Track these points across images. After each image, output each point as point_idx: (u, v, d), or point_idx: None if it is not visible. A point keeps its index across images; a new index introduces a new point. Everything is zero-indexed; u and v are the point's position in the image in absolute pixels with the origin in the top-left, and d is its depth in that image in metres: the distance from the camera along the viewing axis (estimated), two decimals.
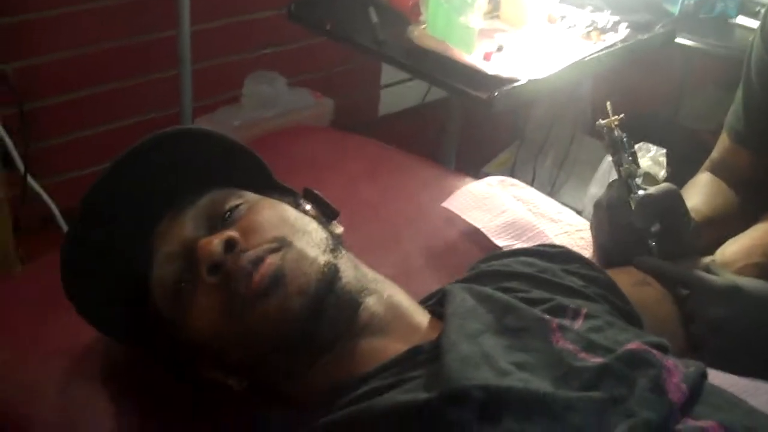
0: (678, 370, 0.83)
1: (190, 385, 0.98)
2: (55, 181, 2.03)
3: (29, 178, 1.75)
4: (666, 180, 2.10)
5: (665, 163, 2.15)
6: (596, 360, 0.84)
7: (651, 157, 2.11)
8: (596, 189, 2.12)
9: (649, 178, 1.58)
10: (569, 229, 1.31)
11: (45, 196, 1.80)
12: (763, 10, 1.33)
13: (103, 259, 0.93)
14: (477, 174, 1.44)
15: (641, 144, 1.55)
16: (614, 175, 1.12)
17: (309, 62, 2.52)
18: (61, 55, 2.02)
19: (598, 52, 1.72)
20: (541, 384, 0.81)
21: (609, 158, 2.06)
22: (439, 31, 1.64)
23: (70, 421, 0.97)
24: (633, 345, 0.85)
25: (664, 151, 2.15)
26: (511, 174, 2.44)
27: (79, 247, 0.93)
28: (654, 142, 2.14)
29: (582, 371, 0.82)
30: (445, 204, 1.31)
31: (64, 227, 1.87)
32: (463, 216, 1.29)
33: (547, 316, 0.89)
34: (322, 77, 2.56)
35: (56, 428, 0.97)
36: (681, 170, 2.15)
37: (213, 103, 2.29)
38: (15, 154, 1.66)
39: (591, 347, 0.86)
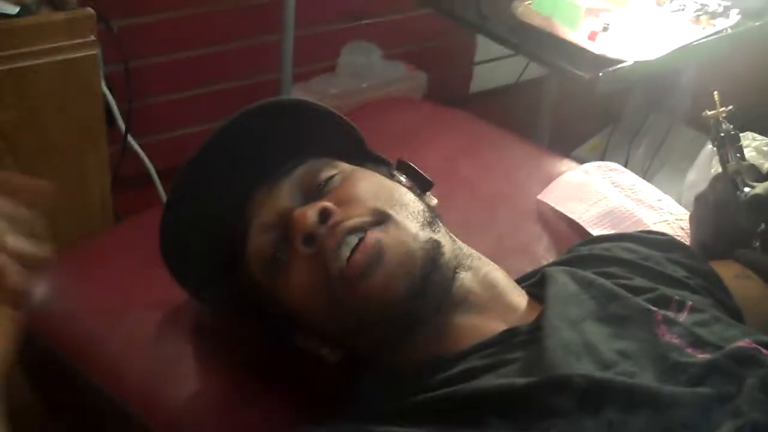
0: None
1: (279, 350, 0.99)
2: (153, 139, 2.06)
3: (129, 137, 1.78)
4: None
5: None
6: (703, 356, 0.82)
7: (755, 147, 2.04)
8: (695, 176, 2.06)
9: (754, 170, 1.53)
10: (669, 217, 1.27)
11: (143, 155, 1.83)
12: None
13: (200, 227, 0.94)
14: (569, 157, 1.42)
15: (746, 133, 1.50)
16: (716, 164, 1.09)
17: (404, 35, 2.51)
18: (165, 15, 2.04)
19: (707, 37, 1.67)
20: (646, 377, 0.80)
21: (709, 146, 2.01)
22: (545, 8, 1.62)
23: (161, 377, 0.99)
24: (742, 342, 0.82)
25: None
26: (603, 159, 2.40)
27: (177, 214, 0.94)
28: (757, 133, 2.08)
29: (688, 366, 0.80)
30: (541, 196, 1.29)
31: (160, 186, 1.90)
32: (559, 208, 1.26)
33: (652, 307, 0.87)
34: (416, 50, 2.55)
35: (148, 382, 0.99)
36: None
37: (309, 70, 2.29)
38: (117, 111, 1.68)
39: (698, 342, 0.84)
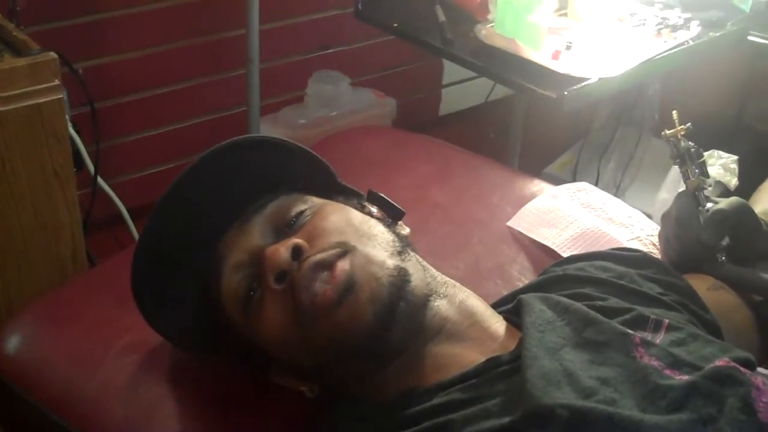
0: (767, 388, 0.80)
1: (258, 387, 0.98)
2: (123, 180, 2.06)
3: (99, 178, 1.77)
4: (739, 187, 2.06)
5: (737, 171, 2.09)
6: (682, 377, 0.82)
7: (722, 165, 2.05)
8: (666, 194, 2.08)
9: (720, 187, 1.54)
10: (641, 234, 1.28)
11: (114, 196, 1.82)
12: None
13: (172, 269, 0.94)
14: (539, 175, 1.42)
15: (711, 151, 1.51)
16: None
17: (371, 62, 2.52)
18: (129, 55, 2.05)
19: (670, 50, 1.68)
20: (627, 403, 0.79)
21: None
22: (508, 30, 1.62)
23: (141, 421, 0.98)
24: (720, 362, 0.82)
25: (736, 158, 2.09)
26: (574, 175, 2.41)
27: (148, 257, 0.94)
28: (719, 144, 2.09)
29: (668, 390, 0.80)
30: (510, 223, 1.29)
31: (132, 226, 1.89)
32: (530, 235, 1.27)
33: (629, 331, 0.87)
34: (384, 77, 2.56)
35: (128, 426, 0.98)
36: (748, 173, 2.11)
37: (278, 102, 2.30)
38: (85, 153, 1.67)
39: (676, 363, 0.84)
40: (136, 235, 1.92)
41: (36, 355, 1.07)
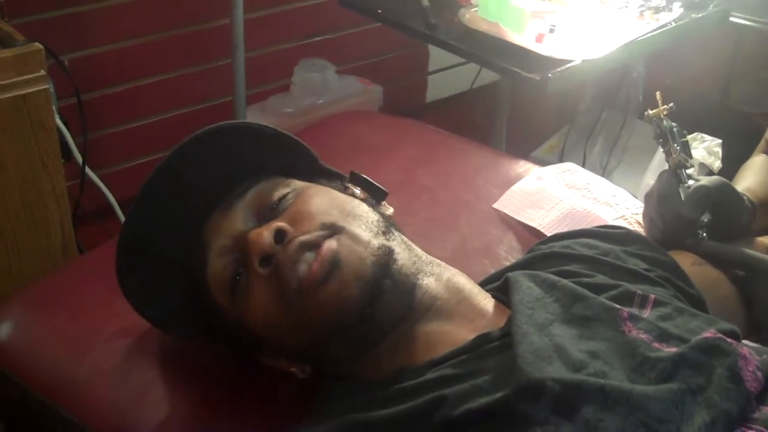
0: (753, 358, 0.82)
1: (247, 370, 0.99)
2: (111, 170, 2.06)
3: (87, 169, 1.77)
4: (723, 169, 2.07)
5: (720, 154, 2.10)
6: (670, 349, 0.83)
7: (705, 148, 2.06)
8: (651, 179, 2.09)
9: (704, 169, 1.55)
10: (626, 212, 1.30)
11: (102, 186, 1.82)
12: None
13: (157, 256, 0.95)
14: (526, 159, 1.44)
15: (695, 134, 1.53)
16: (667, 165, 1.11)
17: (357, 49, 2.52)
18: (115, 46, 2.05)
19: (653, 31, 1.70)
20: (617, 375, 0.81)
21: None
22: (491, 13, 1.63)
23: (131, 404, 0.99)
24: (707, 333, 0.84)
25: (720, 141, 2.09)
26: (560, 159, 2.42)
27: (132, 245, 0.95)
28: (704, 126, 2.10)
29: (657, 361, 0.82)
30: (497, 205, 1.31)
31: (121, 216, 1.89)
32: (517, 217, 1.28)
33: (616, 305, 0.88)
34: (370, 64, 2.57)
35: (118, 409, 0.99)
36: (732, 154, 2.12)
37: (263, 91, 2.30)
38: (73, 145, 1.68)
39: (664, 336, 0.85)
40: None
41: (27, 341, 1.08)
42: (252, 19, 1.99)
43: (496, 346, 0.87)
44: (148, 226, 0.94)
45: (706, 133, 2.10)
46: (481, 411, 0.80)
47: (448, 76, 2.74)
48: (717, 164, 2.05)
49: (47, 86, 1.46)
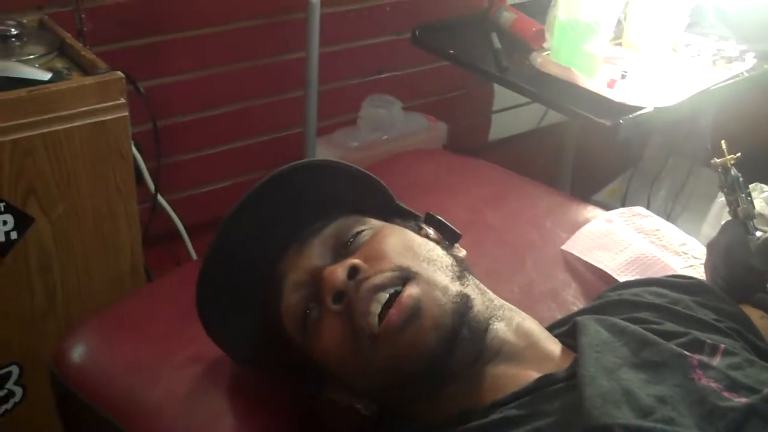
0: None
1: (313, 403, 1.00)
2: (180, 196, 2.10)
3: (158, 196, 1.81)
4: None
5: None
6: (740, 399, 0.82)
7: (765, 198, 2.04)
8: (709, 229, 2.06)
9: (763, 220, 1.53)
10: (695, 262, 1.28)
11: (172, 213, 1.86)
12: None
13: (235, 286, 0.96)
14: (588, 202, 1.44)
15: (755, 184, 1.52)
16: (726, 216, 1.10)
17: (422, 87, 2.54)
18: (190, 75, 2.09)
19: (725, 81, 1.69)
20: (685, 422, 0.80)
21: (721, 198, 2.01)
22: (563, 58, 1.64)
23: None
24: None
25: None
26: (623, 203, 2.40)
27: (213, 274, 0.97)
28: (763, 178, 2.07)
29: (727, 411, 0.80)
30: (565, 247, 1.30)
31: (189, 242, 1.92)
32: (585, 258, 1.28)
33: (686, 352, 0.87)
34: (435, 102, 2.58)
35: None
36: None
37: (331, 124, 2.32)
38: (145, 170, 1.71)
39: (734, 386, 0.84)
40: (193, 251, 1.95)
41: (100, 365, 1.10)
42: (324, 53, 2.02)
43: (560, 388, 0.87)
44: (228, 258, 0.96)
45: (766, 184, 2.08)
46: None
47: (511, 116, 2.74)
48: None
49: (126, 113, 1.49)
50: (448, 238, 1.02)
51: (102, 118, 1.47)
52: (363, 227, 0.96)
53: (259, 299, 0.96)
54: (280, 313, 0.95)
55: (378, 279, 0.88)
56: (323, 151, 2.20)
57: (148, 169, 1.74)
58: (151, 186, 1.76)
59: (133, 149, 1.62)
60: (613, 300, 1.04)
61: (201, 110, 2.14)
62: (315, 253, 0.94)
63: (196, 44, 2.05)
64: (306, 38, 1.92)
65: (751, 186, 1.21)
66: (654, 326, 0.94)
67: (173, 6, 2.00)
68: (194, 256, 1.96)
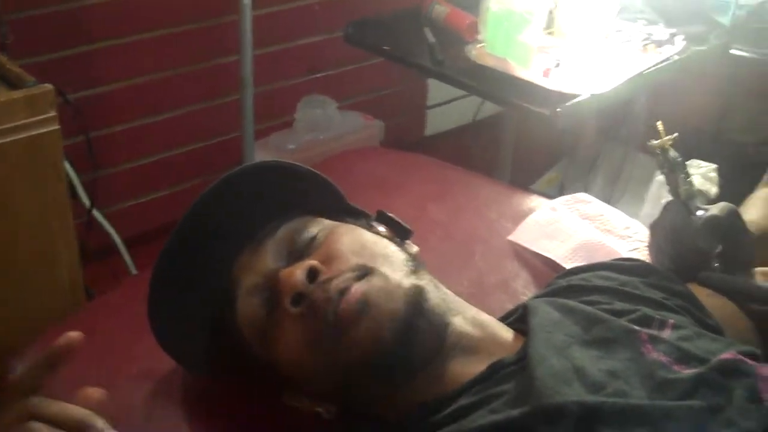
0: None
1: (273, 407, 0.98)
2: (118, 209, 2.06)
3: (94, 210, 1.77)
4: (719, 195, 2.08)
5: (716, 180, 2.12)
6: (690, 371, 0.83)
7: (701, 174, 2.08)
8: (650, 208, 2.10)
9: (703, 197, 1.56)
10: (639, 245, 1.29)
11: (108, 227, 1.82)
12: None
13: (188, 293, 0.94)
14: (535, 192, 1.45)
15: (691, 161, 1.54)
16: (666, 194, 1.11)
17: (358, 85, 2.54)
18: (122, 84, 2.06)
19: (657, 65, 1.72)
20: (636, 394, 0.81)
21: (659, 177, 2.05)
22: (498, 49, 1.65)
23: None
24: (727, 354, 0.84)
25: (715, 166, 2.11)
26: (560, 192, 2.43)
27: (165, 282, 0.95)
28: (700, 157, 2.11)
29: (677, 382, 0.82)
30: (512, 237, 1.31)
31: (127, 256, 1.89)
32: (532, 248, 1.28)
33: (636, 327, 0.89)
34: (371, 99, 2.58)
35: None
36: (729, 183, 2.13)
37: (267, 127, 2.31)
38: (79, 184, 1.68)
39: (683, 358, 0.85)
40: (132, 265, 1.92)
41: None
42: (258, 55, 2.00)
43: (512, 371, 0.88)
44: (178, 265, 0.94)
45: (704, 160, 2.12)
46: (498, 426, 0.80)
47: (447, 110, 2.75)
48: (714, 190, 2.07)
49: (57, 127, 1.46)
50: (399, 234, 1.02)
51: (32, 133, 1.43)
52: (317, 228, 0.95)
53: (214, 306, 0.95)
54: (235, 319, 0.93)
55: (338, 282, 0.87)
56: (261, 154, 2.18)
57: (83, 183, 1.70)
58: (86, 200, 1.72)
59: (66, 164, 1.59)
60: (563, 286, 1.05)
61: (135, 119, 2.11)
62: (269, 255, 0.93)
63: (127, 52, 2.02)
64: (239, 40, 1.90)
65: (687, 162, 1.22)
66: (604, 306, 0.96)
67: (102, 14, 1.96)
68: (133, 270, 1.92)
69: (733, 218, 1.07)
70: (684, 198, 1.09)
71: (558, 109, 1.54)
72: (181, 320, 0.95)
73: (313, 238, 0.94)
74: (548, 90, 1.57)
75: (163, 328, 0.96)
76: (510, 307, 1.08)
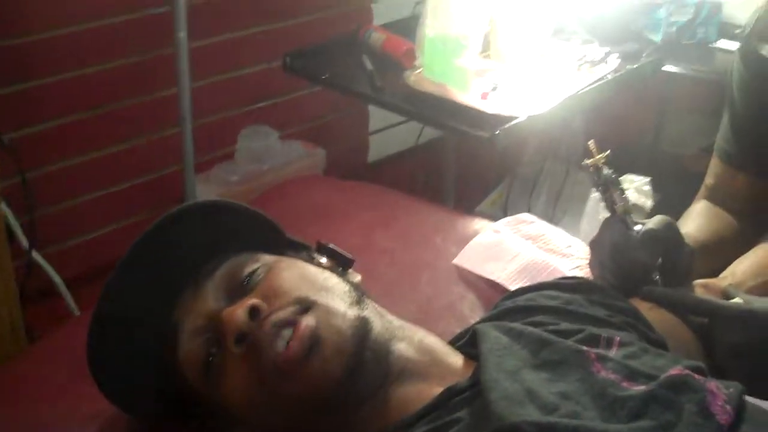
0: (721, 392, 0.83)
1: None
2: (57, 249, 2.02)
3: (33, 251, 1.74)
4: (654, 207, 2.13)
5: (650, 193, 2.16)
6: (639, 388, 0.84)
7: (635, 188, 2.11)
8: (587, 225, 2.12)
9: (637, 210, 1.59)
10: (581, 263, 1.31)
11: (48, 268, 1.78)
12: (742, 32, 1.34)
13: (128, 339, 0.93)
14: (471, 214, 1.46)
15: (624, 176, 1.57)
16: (603, 211, 1.12)
17: (299, 114, 2.54)
18: (60, 121, 2.02)
19: (592, 84, 1.75)
20: (589, 415, 0.81)
21: (594, 194, 2.07)
22: (436, 74, 1.66)
23: None
24: (674, 371, 0.85)
25: (648, 179, 2.15)
26: (504, 212, 2.45)
27: (104, 328, 0.93)
28: (638, 170, 2.15)
29: (627, 400, 0.82)
30: (456, 261, 1.31)
31: (66, 296, 1.85)
32: (476, 271, 1.29)
33: (584, 347, 0.89)
34: (312, 128, 2.58)
35: None
36: (666, 196, 2.17)
37: (209, 160, 2.29)
38: (17, 226, 1.64)
39: (632, 375, 0.86)
40: (74, 306, 1.88)
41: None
42: (196, 87, 1.98)
43: (465, 397, 0.88)
44: (117, 311, 0.93)
45: (642, 175, 2.16)
46: None
47: (389, 136, 2.76)
48: (649, 203, 2.10)
49: None
50: (341, 264, 1.02)
51: None
52: (256, 264, 0.94)
53: (155, 351, 0.93)
54: (178, 362, 0.92)
55: (280, 315, 0.87)
56: (203, 187, 2.16)
57: (21, 224, 1.66)
58: (24, 242, 1.69)
59: (3, 205, 1.56)
60: (509, 308, 1.05)
61: (73, 157, 2.07)
62: (210, 296, 0.92)
63: (62, 89, 1.99)
64: (176, 73, 1.89)
65: (621, 178, 1.24)
66: (551, 327, 0.96)
67: (34, 51, 1.93)
68: (75, 310, 1.89)
69: (671, 230, 1.09)
70: (621, 213, 1.10)
71: (497, 132, 1.56)
72: (123, 368, 0.93)
73: (253, 275, 0.93)
74: (487, 113, 1.59)
75: (105, 377, 0.94)
76: (458, 330, 1.08)
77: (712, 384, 0.84)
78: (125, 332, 0.92)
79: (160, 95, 2.14)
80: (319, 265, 0.99)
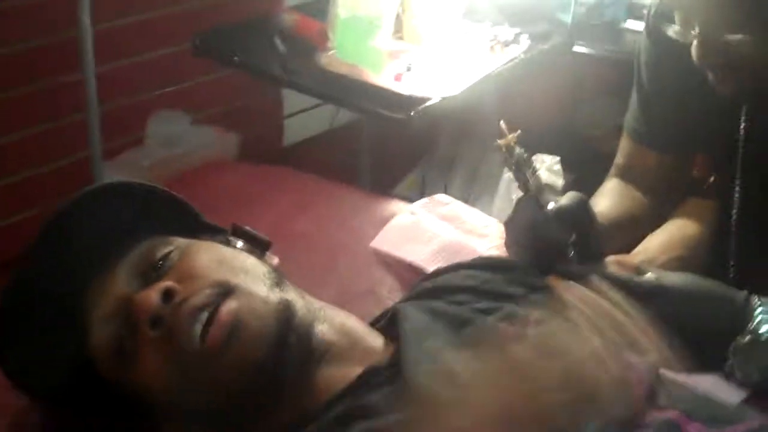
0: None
1: None
2: None
3: None
4: (565, 186, 2.16)
5: (561, 171, 2.19)
6: None
7: (546, 167, 2.14)
8: (501, 203, 2.14)
9: (549, 189, 1.61)
10: (498, 242, 1.32)
11: None
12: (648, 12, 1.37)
13: (37, 326, 0.90)
14: (389, 196, 1.46)
15: (536, 156, 1.58)
16: (516, 190, 1.13)
17: (211, 98, 2.49)
18: None
19: (504, 64, 1.76)
20: None
21: (507, 174, 2.08)
22: (349, 55, 1.65)
23: None
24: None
25: (558, 158, 2.18)
26: (422, 194, 2.45)
27: (10, 319, 0.91)
28: (550, 150, 2.17)
29: None
30: (374, 243, 1.31)
31: None
32: (394, 253, 1.29)
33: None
34: (225, 112, 2.53)
35: None
36: (578, 176, 2.21)
37: (118, 145, 2.23)
38: None
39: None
40: None
41: None
42: (102, 72, 1.93)
43: (386, 377, 0.88)
44: (26, 299, 0.90)
45: (555, 155, 2.18)
46: None
47: (304, 119, 2.74)
48: (560, 182, 2.14)
49: None
50: (257, 247, 1.01)
51: None
52: (170, 247, 0.92)
53: (66, 338, 0.90)
54: (90, 349, 0.89)
55: (197, 299, 0.85)
56: (113, 173, 2.10)
57: None
58: None
59: None
60: (428, 288, 1.06)
61: None
62: (121, 280, 0.90)
63: None
64: (80, 58, 1.83)
65: (533, 157, 1.25)
66: (470, 306, 0.97)
67: None
68: None
69: (582, 206, 1.10)
70: (534, 192, 1.11)
71: (411, 113, 1.55)
72: (35, 357, 0.90)
73: (167, 258, 0.90)
74: (401, 95, 1.59)
75: (15, 368, 0.91)
76: (377, 312, 1.09)
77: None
78: (34, 321, 0.90)
79: (67, 80, 2.07)
80: (236, 247, 0.98)
